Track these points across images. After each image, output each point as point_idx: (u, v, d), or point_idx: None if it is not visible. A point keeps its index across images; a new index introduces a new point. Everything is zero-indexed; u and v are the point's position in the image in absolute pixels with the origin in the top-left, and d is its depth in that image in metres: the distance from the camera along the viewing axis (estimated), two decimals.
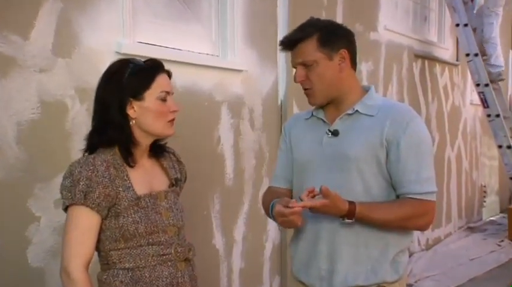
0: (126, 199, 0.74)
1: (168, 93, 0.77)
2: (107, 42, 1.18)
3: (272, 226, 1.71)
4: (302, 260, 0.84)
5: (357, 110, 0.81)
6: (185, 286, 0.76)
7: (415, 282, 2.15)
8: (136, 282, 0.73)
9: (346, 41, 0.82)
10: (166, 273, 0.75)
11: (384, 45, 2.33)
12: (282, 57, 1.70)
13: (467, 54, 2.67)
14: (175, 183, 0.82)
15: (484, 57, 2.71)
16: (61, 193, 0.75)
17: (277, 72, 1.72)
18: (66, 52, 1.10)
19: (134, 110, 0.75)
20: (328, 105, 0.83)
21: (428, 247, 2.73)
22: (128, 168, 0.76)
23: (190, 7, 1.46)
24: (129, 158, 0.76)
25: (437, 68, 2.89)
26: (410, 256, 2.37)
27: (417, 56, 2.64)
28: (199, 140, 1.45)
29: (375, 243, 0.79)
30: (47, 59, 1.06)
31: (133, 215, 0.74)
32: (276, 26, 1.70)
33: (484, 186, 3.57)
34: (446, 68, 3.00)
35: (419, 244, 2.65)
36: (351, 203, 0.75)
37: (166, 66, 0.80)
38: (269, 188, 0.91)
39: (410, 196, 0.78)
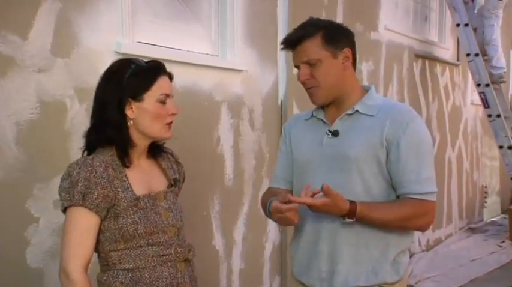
0: (125, 200, 0.74)
1: (168, 96, 0.76)
2: (106, 42, 1.17)
3: (272, 226, 1.71)
4: (302, 261, 0.84)
5: (357, 110, 0.81)
6: None
7: (416, 283, 2.15)
8: (136, 283, 0.73)
9: (348, 40, 0.82)
10: (166, 274, 0.75)
11: (384, 45, 2.33)
12: (282, 57, 1.70)
13: (468, 54, 2.66)
14: (174, 183, 0.82)
15: (485, 58, 2.71)
16: (59, 194, 0.75)
17: (277, 72, 1.72)
18: (65, 52, 1.09)
19: (133, 111, 0.75)
20: (329, 105, 0.83)
21: (429, 248, 2.72)
22: (126, 168, 0.76)
23: (190, 7, 1.46)
24: (125, 158, 0.75)
25: (438, 68, 2.88)
26: (411, 257, 2.36)
27: (418, 56, 2.64)
28: (199, 141, 1.45)
29: (376, 243, 0.79)
30: (46, 59, 1.06)
31: (132, 216, 0.74)
32: (276, 25, 1.69)
33: (485, 186, 3.57)
34: (447, 68, 3.00)
35: (420, 244, 2.65)
36: (352, 202, 0.75)
37: (166, 66, 0.79)
38: (269, 189, 0.91)
39: (410, 196, 0.77)
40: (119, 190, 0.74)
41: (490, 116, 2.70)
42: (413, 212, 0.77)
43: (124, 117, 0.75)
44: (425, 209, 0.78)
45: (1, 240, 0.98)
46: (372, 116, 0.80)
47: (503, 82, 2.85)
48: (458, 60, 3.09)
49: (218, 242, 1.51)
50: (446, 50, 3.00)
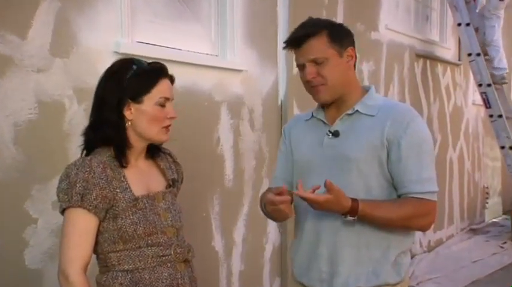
0: (123, 201, 0.74)
1: (168, 99, 0.76)
2: (105, 42, 1.17)
3: (272, 227, 1.70)
4: (303, 262, 0.83)
5: (357, 110, 0.81)
6: None
7: (417, 284, 2.14)
8: (135, 284, 0.73)
9: (351, 39, 0.82)
10: (166, 274, 0.74)
11: (385, 44, 2.32)
12: (282, 57, 1.69)
13: (469, 54, 2.66)
14: (173, 184, 0.81)
15: (487, 58, 2.70)
16: (58, 195, 0.74)
17: (277, 72, 1.71)
18: (64, 52, 1.09)
19: (131, 112, 0.75)
20: (329, 105, 0.82)
21: (430, 249, 2.72)
22: (124, 169, 0.75)
23: (190, 7, 1.46)
24: (122, 158, 0.75)
25: (439, 68, 2.88)
26: (412, 258, 2.36)
27: (419, 56, 2.63)
28: (199, 141, 1.45)
29: (377, 244, 0.79)
30: (45, 59, 1.05)
31: (131, 217, 0.73)
32: (276, 25, 1.69)
33: (487, 187, 3.56)
34: (448, 68, 2.99)
35: (421, 245, 2.64)
36: (354, 200, 0.75)
37: (166, 65, 0.78)
38: (268, 189, 0.90)
39: (411, 196, 0.77)
40: (118, 190, 0.74)
41: (491, 116, 2.69)
42: (415, 211, 0.77)
43: (122, 118, 0.75)
44: (426, 209, 0.78)
45: None
46: (372, 116, 0.80)
47: (505, 83, 2.84)
48: (459, 60, 3.09)
49: (218, 243, 1.51)
50: (448, 50, 2.99)
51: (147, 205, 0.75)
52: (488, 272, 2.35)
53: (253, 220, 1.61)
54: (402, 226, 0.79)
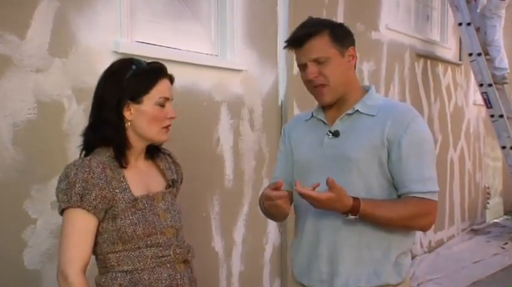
0: (123, 201, 0.73)
1: (167, 99, 0.76)
2: (104, 41, 1.16)
3: (272, 228, 1.70)
4: (303, 262, 0.83)
5: (357, 110, 0.81)
6: None
7: (418, 285, 2.13)
8: (135, 285, 0.72)
9: (352, 39, 0.82)
10: (165, 275, 0.74)
11: (385, 44, 2.32)
12: (283, 57, 1.69)
13: (470, 54, 2.65)
14: (172, 184, 0.81)
15: (487, 57, 2.69)
16: (57, 195, 0.74)
17: (278, 72, 1.70)
18: (63, 52, 1.09)
19: (131, 112, 0.75)
20: (330, 105, 0.82)
21: (431, 250, 2.71)
22: (124, 169, 0.75)
23: (189, 6, 1.45)
24: (122, 159, 0.75)
25: (440, 67, 2.87)
26: (412, 259, 2.34)
27: (419, 56, 2.62)
28: (199, 141, 1.44)
29: (378, 244, 0.78)
30: (44, 59, 1.05)
31: (130, 217, 0.73)
32: (276, 25, 1.68)
33: (488, 187, 3.55)
34: (449, 68, 2.98)
35: (421, 246, 2.63)
36: (356, 199, 0.74)
37: (165, 65, 0.78)
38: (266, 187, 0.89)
39: (412, 195, 0.77)
40: (117, 191, 0.73)
41: (492, 116, 2.68)
42: (416, 211, 0.77)
43: (122, 118, 0.74)
44: (427, 209, 0.77)
45: None
46: (373, 115, 0.80)
47: (506, 83, 2.83)
48: (460, 60, 3.08)
49: (218, 243, 1.50)
50: (448, 50, 2.98)
51: (146, 205, 0.75)
52: (489, 272, 2.34)
53: (253, 221, 1.60)
54: (403, 226, 0.78)
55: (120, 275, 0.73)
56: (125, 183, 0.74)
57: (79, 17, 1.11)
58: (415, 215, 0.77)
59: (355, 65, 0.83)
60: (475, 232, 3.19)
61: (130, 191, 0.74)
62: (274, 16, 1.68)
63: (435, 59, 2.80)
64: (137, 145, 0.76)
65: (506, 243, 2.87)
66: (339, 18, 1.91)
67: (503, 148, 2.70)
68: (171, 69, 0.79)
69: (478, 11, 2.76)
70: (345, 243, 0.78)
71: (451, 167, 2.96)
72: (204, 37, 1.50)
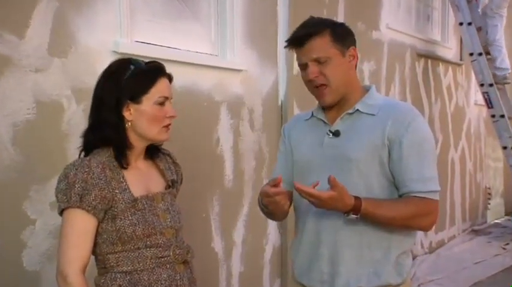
0: (122, 201, 0.73)
1: (167, 98, 0.75)
2: (103, 41, 1.16)
3: (272, 228, 1.69)
4: (303, 263, 0.83)
5: (357, 109, 0.81)
6: None
7: (419, 286, 2.12)
8: (134, 285, 0.72)
9: (353, 39, 0.82)
10: (165, 276, 0.74)
11: (386, 44, 2.31)
12: (283, 57, 1.68)
13: (471, 54, 2.64)
14: (172, 185, 0.81)
15: (488, 57, 2.68)
16: (56, 196, 0.74)
17: (278, 72, 1.70)
18: (62, 51, 1.08)
19: (130, 112, 0.75)
20: (331, 105, 0.82)
21: (431, 250, 2.70)
22: (124, 170, 0.75)
23: (189, 6, 1.45)
24: (122, 159, 0.75)
25: (441, 67, 2.86)
26: (413, 259, 2.29)
27: (420, 56, 2.61)
28: (198, 141, 1.44)
29: (378, 244, 0.78)
30: (43, 59, 1.05)
31: (130, 218, 0.73)
32: (276, 25, 1.68)
33: (489, 188, 3.54)
34: (450, 68, 2.97)
35: (422, 247, 2.62)
36: (357, 198, 0.74)
37: (165, 65, 0.78)
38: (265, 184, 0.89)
39: (413, 195, 0.76)
40: (117, 191, 0.73)
41: (493, 116, 2.67)
42: (417, 210, 0.76)
43: (122, 119, 0.74)
44: (428, 208, 0.77)
45: None
46: (373, 115, 0.80)
47: (507, 83, 2.82)
48: (461, 59, 3.07)
49: (217, 244, 1.50)
50: (449, 50, 2.98)
51: (146, 205, 0.75)
52: (490, 273, 2.33)
53: (253, 221, 1.60)
54: (404, 226, 0.78)
55: (119, 276, 0.73)
56: (124, 183, 0.74)
57: (78, 16, 1.11)
58: (416, 214, 0.76)
59: (356, 65, 0.82)
60: (476, 232, 3.18)
61: (130, 192, 0.74)
62: (274, 16, 1.67)
63: (436, 58, 2.79)
64: (138, 145, 0.76)
65: (507, 244, 2.86)
66: (340, 18, 1.90)
67: (505, 148, 2.70)
68: (170, 69, 0.79)
69: (479, 10, 2.75)
70: (346, 243, 0.78)
71: (452, 168, 2.95)
72: (204, 37, 1.50)
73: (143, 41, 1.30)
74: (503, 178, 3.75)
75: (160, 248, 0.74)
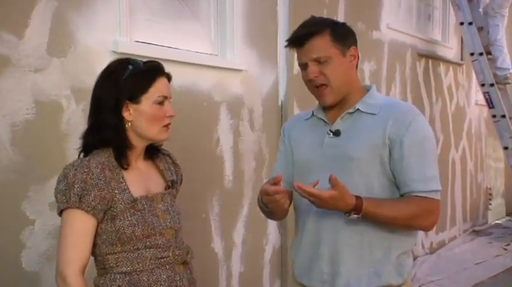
0: (122, 202, 0.73)
1: (166, 97, 0.75)
2: (103, 41, 1.16)
3: (272, 228, 1.69)
4: (303, 263, 0.83)
5: (358, 109, 0.81)
6: None
7: None
8: (134, 286, 0.72)
9: (354, 38, 0.82)
10: (164, 276, 0.73)
11: (386, 44, 2.30)
12: (283, 57, 1.68)
13: (472, 54, 2.63)
14: (172, 185, 0.80)
15: (489, 57, 2.67)
16: (55, 196, 0.74)
17: (278, 72, 1.69)
18: (61, 51, 1.08)
19: (130, 112, 0.75)
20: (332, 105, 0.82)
21: (432, 251, 2.69)
22: (123, 170, 0.75)
23: (189, 5, 1.44)
24: (122, 160, 0.74)
25: (442, 67, 2.85)
26: (414, 260, 2.29)
27: (421, 55, 2.61)
28: (198, 141, 1.43)
29: (378, 244, 0.78)
30: (42, 58, 1.05)
31: (129, 218, 0.73)
32: (276, 24, 1.67)
33: (490, 188, 3.53)
34: (451, 68, 2.96)
35: (423, 247, 2.62)
36: (358, 197, 0.74)
37: (164, 65, 0.78)
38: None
39: (414, 195, 0.76)
40: (116, 191, 0.73)
41: (494, 116, 2.67)
42: (418, 210, 0.76)
43: (121, 119, 0.74)
44: (429, 208, 0.77)
45: None
46: (374, 114, 0.80)
47: (508, 83, 2.81)
48: (462, 59, 3.06)
49: (217, 244, 1.49)
50: (450, 49, 2.97)
51: (145, 206, 0.74)
52: (491, 274, 2.33)
53: (253, 221, 1.60)
54: (405, 225, 0.78)
55: (118, 277, 0.72)
56: (124, 184, 0.74)
57: (78, 16, 1.11)
58: (418, 214, 0.76)
59: (357, 65, 0.82)
60: (476, 233, 3.17)
61: (129, 192, 0.74)
62: (274, 15, 1.67)
63: (437, 58, 2.78)
64: (138, 145, 0.76)
65: (508, 244, 2.85)
66: (340, 18, 1.90)
67: (505, 148, 2.69)
68: (170, 69, 0.79)
69: (481, 10, 2.74)
70: (346, 243, 0.78)
71: (453, 168, 2.94)
72: (204, 37, 1.49)
73: (143, 41, 1.29)
74: (504, 178, 3.74)
75: (159, 249, 0.74)
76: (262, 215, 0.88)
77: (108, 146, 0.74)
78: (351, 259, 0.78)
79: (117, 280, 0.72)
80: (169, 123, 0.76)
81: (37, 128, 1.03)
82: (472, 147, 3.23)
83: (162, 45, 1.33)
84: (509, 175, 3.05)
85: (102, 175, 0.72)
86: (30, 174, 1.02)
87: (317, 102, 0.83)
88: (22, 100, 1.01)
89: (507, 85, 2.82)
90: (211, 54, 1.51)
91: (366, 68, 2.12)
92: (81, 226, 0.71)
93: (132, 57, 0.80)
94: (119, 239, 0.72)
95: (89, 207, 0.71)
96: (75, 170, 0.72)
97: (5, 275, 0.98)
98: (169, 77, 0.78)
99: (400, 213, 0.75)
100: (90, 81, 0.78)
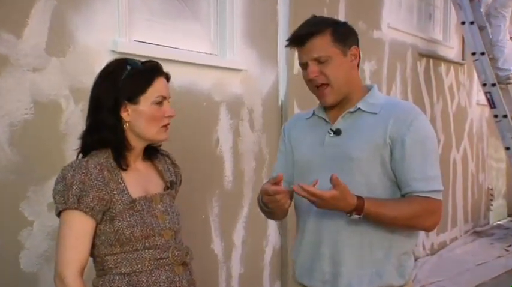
0: (120, 202, 0.73)
1: (164, 98, 0.75)
2: (102, 40, 1.15)
3: (272, 229, 1.68)
4: (304, 263, 0.82)
5: (359, 108, 0.81)
6: None
7: None
8: None
9: (355, 38, 0.82)
10: (163, 277, 0.73)
11: (387, 43, 2.29)
12: (283, 57, 1.67)
13: (474, 53, 2.62)
14: (171, 186, 0.80)
15: (491, 57, 2.66)
16: (54, 197, 0.73)
17: (278, 72, 1.69)
18: (60, 51, 1.07)
19: (128, 113, 0.74)
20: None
21: (433, 252, 2.68)
22: (122, 171, 0.74)
23: (188, 5, 1.44)
24: (121, 161, 0.74)
25: (443, 67, 2.84)
26: (415, 261, 2.29)
27: (422, 55, 2.60)
28: (198, 141, 1.43)
29: (379, 244, 0.77)
30: (41, 58, 1.04)
31: (128, 219, 0.72)
32: (276, 24, 1.67)
33: (491, 189, 3.51)
34: (452, 67, 2.95)
35: (424, 248, 2.61)
36: (359, 197, 0.73)
37: (164, 65, 0.77)
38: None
39: (416, 194, 0.76)
40: (115, 192, 0.73)
41: (496, 116, 2.65)
42: (420, 210, 0.75)
43: (119, 120, 0.74)
44: (431, 208, 0.76)
45: None
46: (375, 114, 0.80)
47: (510, 83, 2.79)
48: (463, 59, 3.05)
49: (217, 245, 1.49)
50: (451, 49, 2.96)
51: (144, 207, 0.74)
52: (493, 275, 2.31)
53: (253, 222, 1.59)
54: (407, 225, 0.77)
55: (117, 278, 0.72)
56: (122, 184, 0.74)
57: (77, 15, 1.10)
58: (419, 214, 0.75)
59: (358, 65, 0.82)
60: (478, 234, 3.16)
61: (128, 193, 0.73)
62: (274, 15, 1.66)
63: (438, 58, 2.77)
64: (136, 145, 0.76)
65: (510, 245, 2.84)
66: (340, 17, 1.89)
67: (507, 148, 2.67)
68: (169, 68, 0.78)
69: (482, 9, 2.73)
70: (347, 243, 0.77)
71: (454, 168, 2.93)
72: (204, 36, 1.49)
73: (142, 41, 1.29)
74: (505, 178, 3.73)
75: (159, 250, 0.73)
76: (262, 216, 0.87)
77: (107, 146, 0.74)
78: (351, 259, 0.77)
79: (116, 281, 0.72)
80: (168, 124, 0.76)
81: (36, 128, 1.03)
82: (473, 147, 3.22)
83: (161, 45, 1.33)
84: (511, 176, 2.98)
85: (101, 175, 0.72)
86: (28, 174, 1.01)
87: (317, 102, 0.83)
88: (20, 100, 1.01)
89: (509, 85, 2.81)
90: (211, 54, 1.50)
91: (367, 67, 2.11)
92: (79, 227, 0.71)
93: (131, 57, 0.79)
94: (117, 240, 0.72)
95: (87, 208, 0.70)
96: (74, 171, 0.71)
97: (3, 276, 0.97)
98: (168, 77, 0.77)
99: (401, 213, 0.75)
100: (89, 81, 0.77)
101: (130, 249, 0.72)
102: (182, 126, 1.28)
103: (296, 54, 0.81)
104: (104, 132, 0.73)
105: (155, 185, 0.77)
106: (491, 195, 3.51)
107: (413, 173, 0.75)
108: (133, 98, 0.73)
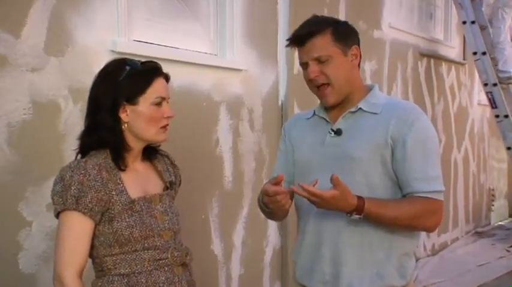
0: (119, 203, 0.72)
1: (164, 98, 0.74)
2: (101, 40, 1.15)
3: (272, 230, 1.68)
4: (305, 264, 0.82)
5: (360, 108, 0.80)
6: None
7: None
8: None
9: (356, 38, 0.81)
10: (163, 278, 0.73)
11: (388, 43, 2.29)
12: (283, 56, 1.67)
13: (475, 53, 2.61)
14: (170, 186, 0.80)
15: (492, 56, 2.65)
16: (52, 198, 0.73)
17: (278, 72, 1.68)
18: (59, 51, 1.07)
19: (127, 114, 0.74)
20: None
21: (434, 253, 2.68)
22: (120, 171, 0.74)
23: (188, 4, 1.43)
24: (120, 161, 0.74)
25: (444, 67, 2.84)
26: (416, 262, 2.26)
27: (422, 55, 2.59)
28: (197, 142, 1.42)
29: (380, 245, 0.77)
30: (39, 58, 1.04)
31: (127, 220, 0.72)
32: (276, 24, 1.66)
33: (492, 189, 3.51)
34: (453, 67, 2.95)
35: (425, 249, 2.60)
36: (360, 197, 0.73)
37: (163, 65, 0.77)
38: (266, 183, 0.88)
39: (417, 195, 0.75)
40: (114, 193, 0.72)
41: (497, 116, 2.64)
42: (421, 210, 0.75)
43: (118, 121, 0.73)
44: (433, 208, 0.76)
45: None
46: (376, 114, 0.79)
47: (510, 83, 2.78)
48: (464, 59, 3.04)
49: (217, 246, 1.48)
50: (452, 49, 2.95)
51: (143, 207, 0.74)
52: (494, 276, 2.30)
53: (253, 223, 1.58)
54: (408, 226, 0.77)
55: (117, 279, 0.72)
56: (121, 185, 0.73)
57: (76, 15, 1.10)
58: (421, 214, 0.75)
59: (359, 64, 0.81)
60: (479, 234, 3.15)
61: (127, 193, 0.73)
62: (274, 15, 1.66)
63: (439, 58, 2.77)
64: (135, 146, 0.75)
65: (511, 246, 2.84)
66: (341, 17, 1.89)
67: (509, 149, 2.66)
68: (169, 68, 0.78)
69: (483, 9, 2.72)
70: (347, 243, 0.77)
71: (455, 168, 2.92)
72: (203, 36, 1.48)
73: (141, 40, 1.28)
74: (507, 179, 3.72)
75: (158, 251, 0.73)
76: (262, 216, 0.87)
77: (105, 147, 0.74)
78: (352, 259, 0.77)
79: (115, 282, 0.71)
80: (167, 125, 0.76)
81: (34, 128, 1.02)
82: (474, 147, 3.21)
83: (160, 45, 1.32)
84: None
85: (99, 176, 0.71)
86: (27, 175, 1.01)
87: (318, 102, 0.83)
88: (19, 100, 1.00)
89: (510, 85, 2.80)
90: (210, 53, 1.50)
91: (367, 67, 2.11)
92: (78, 228, 0.70)
93: (131, 57, 0.79)
94: (116, 241, 0.71)
95: (86, 209, 0.70)
96: (72, 171, 0.71)
97: (2, 277, 0.97)
98: (167, 78, 0.77)
99: (402, 213, 0.75)
100: (88, 81, 0.77)
101: (130, 250, 0.72)
102: (182, 126, 1.27)
103: (296, 54, 0.81)
104: (102, 133, 0.73)
105: (154, 186, 0.77)
106: (493, 195, 3.50)
107: (415, 174, 0.75)
108: (132, 99, 0.73)
